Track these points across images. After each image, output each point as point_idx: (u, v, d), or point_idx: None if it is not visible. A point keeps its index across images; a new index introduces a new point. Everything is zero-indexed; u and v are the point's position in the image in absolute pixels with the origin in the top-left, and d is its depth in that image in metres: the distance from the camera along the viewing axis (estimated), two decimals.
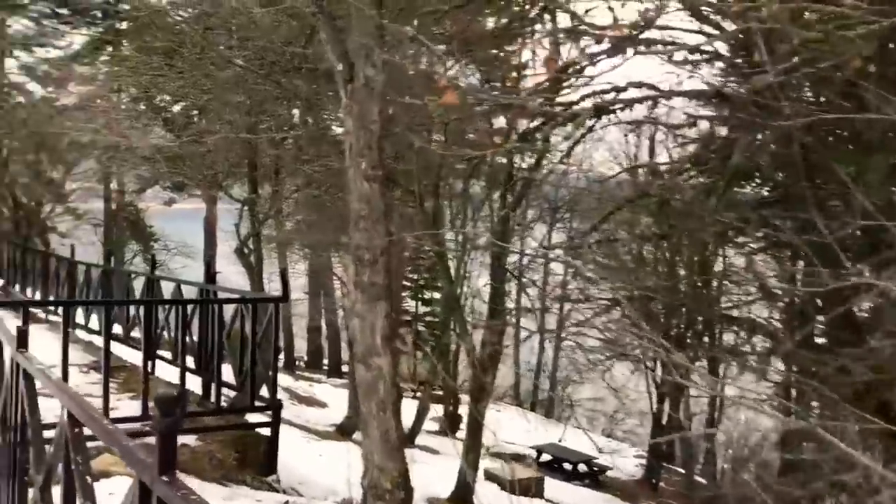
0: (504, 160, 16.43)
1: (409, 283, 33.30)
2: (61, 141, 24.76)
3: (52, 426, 6.56)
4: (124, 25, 36.20)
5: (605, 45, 9.40)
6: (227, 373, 10.06)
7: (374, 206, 6.15)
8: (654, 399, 22.94)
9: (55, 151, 23.89)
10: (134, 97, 27.36)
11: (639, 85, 9.81)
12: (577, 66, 9.41)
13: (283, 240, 15.13)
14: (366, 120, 6.14)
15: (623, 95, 10.38)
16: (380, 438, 6.11)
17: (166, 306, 10.26)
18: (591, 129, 10.29)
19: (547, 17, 11.66)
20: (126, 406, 9.22)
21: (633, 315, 21.78)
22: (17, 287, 17.59)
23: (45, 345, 7.16)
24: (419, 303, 34.78)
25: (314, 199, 12.67)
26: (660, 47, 9.06)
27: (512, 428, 24.75)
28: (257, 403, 8.64)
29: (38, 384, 4.80)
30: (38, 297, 15.59)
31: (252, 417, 9.10)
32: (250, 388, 8.59)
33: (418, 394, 30.66)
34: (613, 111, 9.98)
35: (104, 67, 35.43)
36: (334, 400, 24.82)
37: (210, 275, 9.97)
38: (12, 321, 7.25)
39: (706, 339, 21.53)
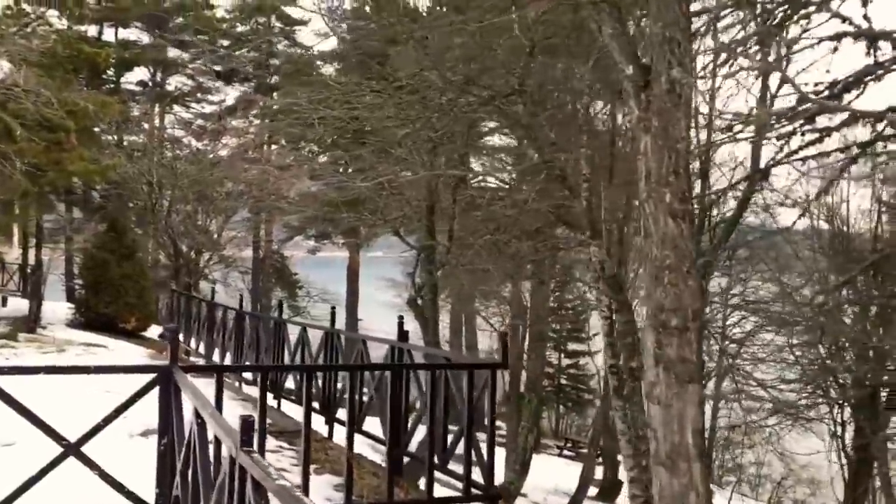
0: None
1: (552, 334, 31.23)
2: (218, 191, 24.48)
3: None
4: (275, 80, 36.62)
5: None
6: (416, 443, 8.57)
7: (683, 252, 4.43)
8: (845, 466, 20.01)
9: (212, 201, 23.51)
10: (293, 146, 27.00)
11: None
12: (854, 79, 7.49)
13: (461, 290, 13.58)
14: (670, 137, 4.45)
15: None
16: None
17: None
18: (853, 162, 8.30)
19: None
20: (317, 485, 7.73)
21: (817, 374, 19.13)
22: (181, 336, 16.76)
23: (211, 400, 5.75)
24: (562, 354, 32.69)
25: (493, 244, 11.09)
26: None
27: None
28: (473, 491, 6.95)
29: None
30: (202, 347, 14.63)
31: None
32: (465, 473, 6.92)
33: (564, 451, 28.48)
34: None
35: (256, 120, 35.77)
36: None
37: (402, 332, 8.42)
38: (199, 383, 5.89)
39: None
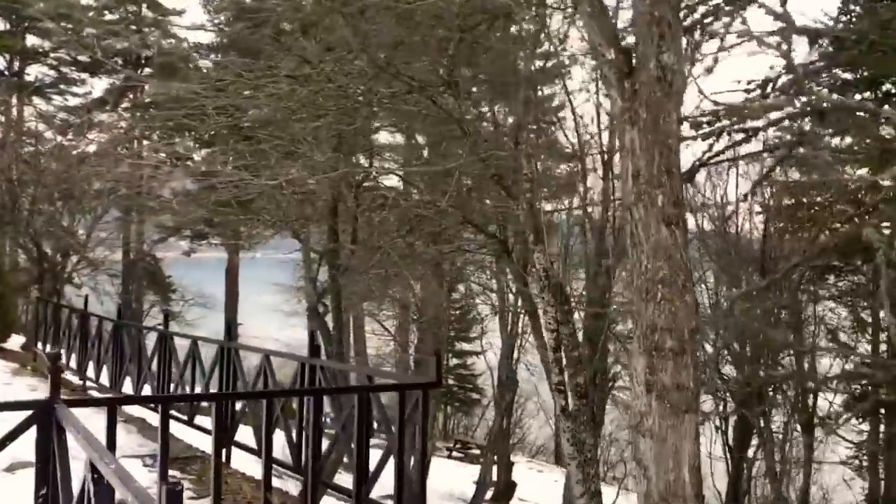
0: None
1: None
2: (83, 189, 22.46)
3: None
4: (147, 71, 34.33)
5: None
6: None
7: (678, 264, 3.84)
8: (729, 459, 20.44)
9: (79, 201, 21.52)
10: (167, 142, 25.27)
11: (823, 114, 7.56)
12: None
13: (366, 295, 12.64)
14: (661, 131, 3.86)
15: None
16: None
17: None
18: (780, 163, 8.08)
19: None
20: None
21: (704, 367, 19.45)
22: (46, 347, 15.07)
23: (96, 431, 4.60)
24: (450, 355, 32.20)
25: (403, 247, 10.35)
26: None
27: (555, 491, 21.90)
28: None
29: None
30: (74, 362, 13.09)
31: None
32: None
33: (454, 453, 27.98)
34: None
35: (126, 114, 33.42)
36: None
37: (314, 346, 7.53)
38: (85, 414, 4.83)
39: (791, 396, 19.18)
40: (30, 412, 4.80)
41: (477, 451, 26.73)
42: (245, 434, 9.30)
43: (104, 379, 11.92)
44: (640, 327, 3.88)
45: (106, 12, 33.96)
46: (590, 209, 13.80)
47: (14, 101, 32.88)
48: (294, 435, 7.76)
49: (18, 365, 15.06)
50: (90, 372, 12.42)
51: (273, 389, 7.36)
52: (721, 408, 20.56)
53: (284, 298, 32.72)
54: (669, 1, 3.85)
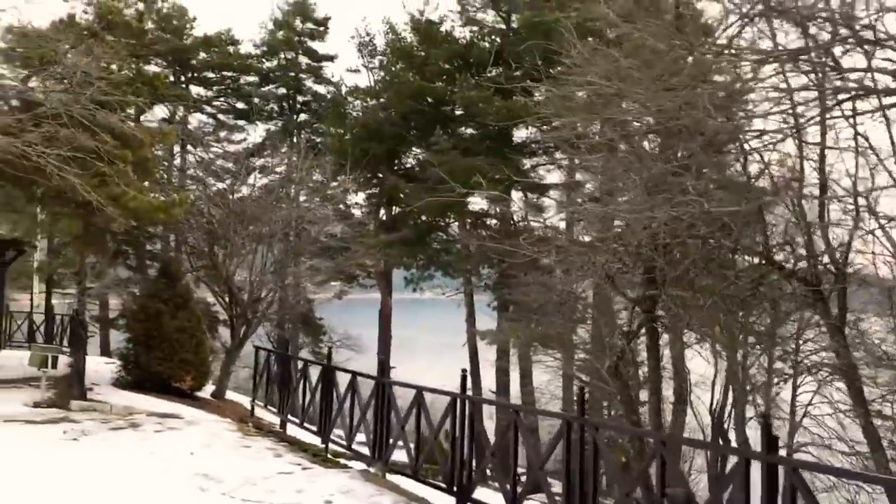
0: None
1: None
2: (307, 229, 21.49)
3: None
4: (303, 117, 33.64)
5: None
6: None
7: None
8: None
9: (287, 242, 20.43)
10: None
11: None
12: None
13: None
14: None
15: None
16: None
17: None
18: None
19: None
20: None
21: None
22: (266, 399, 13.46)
23: None
24: None
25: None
26: None
27: None
28: None
29: None
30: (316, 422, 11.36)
31: None
32: None
33: None
34: None
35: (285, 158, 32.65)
36: None
37: (465, 384, 5.72)
38: None
39: None
40: None
41: None
42: None
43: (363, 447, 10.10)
44: None
45: (264, 60, 33.55)
46: None
47: (176, 148, 32.60)
48: None
49: (235, 422, 13.52)
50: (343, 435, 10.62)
51: None
52: None
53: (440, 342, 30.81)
54: None
